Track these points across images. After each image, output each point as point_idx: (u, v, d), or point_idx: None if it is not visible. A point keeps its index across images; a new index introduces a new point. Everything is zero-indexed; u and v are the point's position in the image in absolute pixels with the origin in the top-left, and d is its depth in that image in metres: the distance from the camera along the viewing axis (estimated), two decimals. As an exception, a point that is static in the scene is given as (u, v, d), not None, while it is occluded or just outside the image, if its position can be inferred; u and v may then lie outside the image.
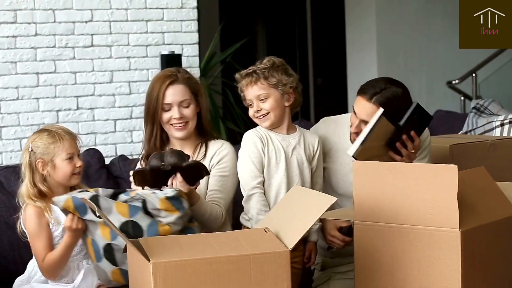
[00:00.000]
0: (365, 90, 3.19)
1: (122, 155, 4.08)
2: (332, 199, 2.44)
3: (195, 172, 2.99)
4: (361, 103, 3.18)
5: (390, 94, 3.15)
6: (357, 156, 2.96)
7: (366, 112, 3.15)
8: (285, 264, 2.33)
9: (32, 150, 3.12)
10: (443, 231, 2.46)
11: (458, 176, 2.51)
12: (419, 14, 7.73)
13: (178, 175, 2.96)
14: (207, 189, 3.25)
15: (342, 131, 3.35)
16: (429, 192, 2.49)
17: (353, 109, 3.22)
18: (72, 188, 3.13)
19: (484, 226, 2.53)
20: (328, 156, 3.37)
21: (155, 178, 2.97)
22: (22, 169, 3.16)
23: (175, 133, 3.28)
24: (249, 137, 3.22)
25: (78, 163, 3.16)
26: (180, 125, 3.26)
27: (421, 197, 2.51)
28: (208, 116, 3.37)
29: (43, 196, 3.12)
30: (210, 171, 3.23)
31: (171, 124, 3.26)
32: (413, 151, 3.12)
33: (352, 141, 3.22)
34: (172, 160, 2.95)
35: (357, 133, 3.18)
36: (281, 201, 2.73)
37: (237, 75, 3.24)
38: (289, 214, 2.53)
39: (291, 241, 2.37)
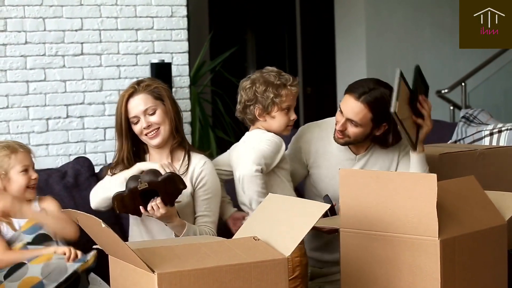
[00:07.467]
0: (354, 89, 3.20)
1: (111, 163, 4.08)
2: (325, 206, 2.44)
3: (172, 186, 2.98)
4: (348, 101, 3.19)
5: (378, 94, 3.17)
6: (397, 112, 2.99)
7: (353, 110, 3.17)
8: (284, 272, 2.34)
9: None
10: (423, 239, 2.47)
11: (445, 185, 2.52)
12: (408, 23, 7.75)
13: (158, 198, 2.96)
14: (194, 213, 3.25)
15: (325, 135, 3.35)
16: (409, 200, 2.50)
17: (339, 108, 3.23)
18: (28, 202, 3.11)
19: (468, 235, 2.53)
20: (314, 161, 3.37)
21: (133, 200, 2.98)
22: None
23: (151, 142, 3.25)
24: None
25: (34, 175, 3.15)
26: (152, 133, 3.23)
27: (402, 205, 2.52)
28: (175, 119, 3.27)
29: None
30: (194, 191, 3.23)
31: (145, 135, 3.24)
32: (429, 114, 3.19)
33: (336, 139, 3.24)
34: (147, 178, 2.97)
35: (342, 132, 3.20)
36: (260, 210, 2.70)
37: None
38: (276, 222, 2.52)
39: (287, 248, 2.36)
